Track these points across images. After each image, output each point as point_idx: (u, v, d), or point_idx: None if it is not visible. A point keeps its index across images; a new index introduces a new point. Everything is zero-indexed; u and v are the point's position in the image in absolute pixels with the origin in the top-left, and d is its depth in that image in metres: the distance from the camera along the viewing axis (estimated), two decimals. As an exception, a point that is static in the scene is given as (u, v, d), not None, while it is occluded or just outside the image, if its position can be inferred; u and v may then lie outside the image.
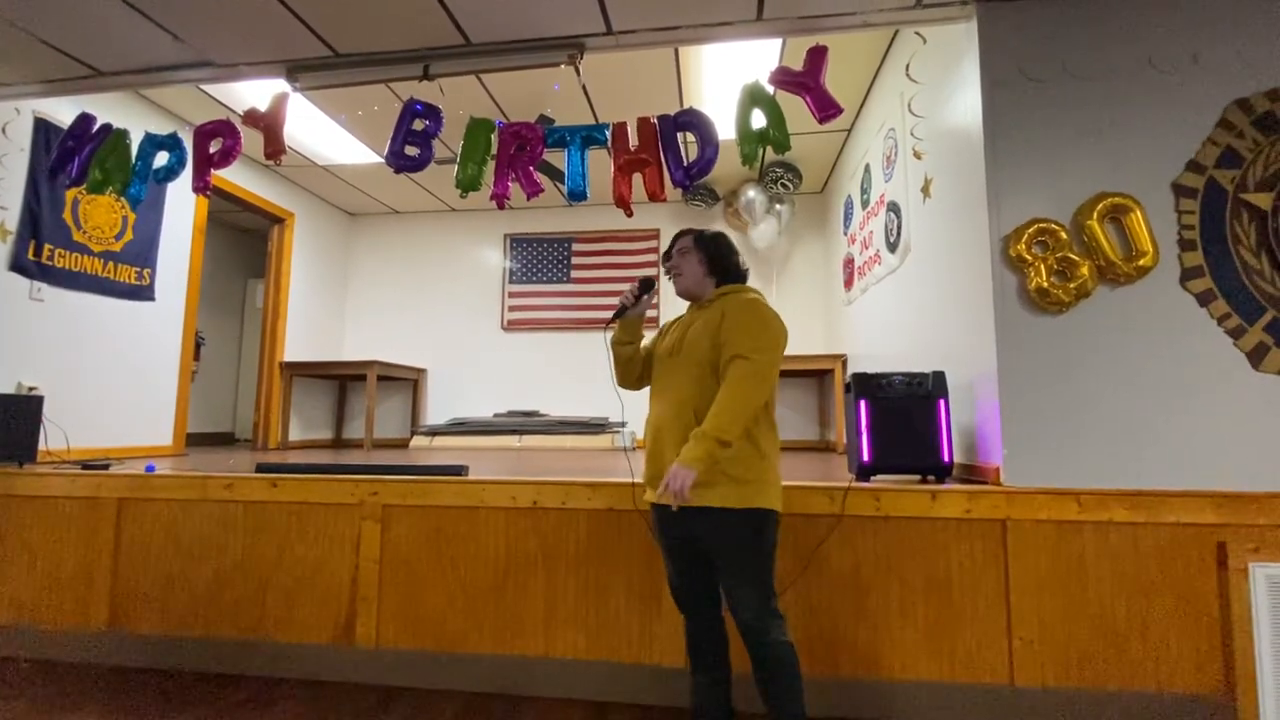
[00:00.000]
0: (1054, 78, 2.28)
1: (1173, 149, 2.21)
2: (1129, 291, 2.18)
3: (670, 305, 5.94)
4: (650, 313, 6.35)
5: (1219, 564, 2.00)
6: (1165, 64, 2.23)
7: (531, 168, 2.61)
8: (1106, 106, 2.24)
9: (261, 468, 2.64)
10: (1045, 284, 2.17)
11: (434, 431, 5.58)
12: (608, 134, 2.58)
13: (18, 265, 3.31)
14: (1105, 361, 2.16)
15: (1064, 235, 2.20)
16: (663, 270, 1.93)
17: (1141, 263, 2.15)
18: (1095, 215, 2.18)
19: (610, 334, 1.94)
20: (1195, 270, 2.16)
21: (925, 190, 2.94)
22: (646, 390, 1.91)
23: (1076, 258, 2.18)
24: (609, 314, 1.92)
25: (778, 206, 5.28)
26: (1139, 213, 2.17)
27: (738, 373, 1.58)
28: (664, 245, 5.88)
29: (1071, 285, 2.17)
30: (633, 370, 1.92)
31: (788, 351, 1.76)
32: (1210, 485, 2.04)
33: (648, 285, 1.89)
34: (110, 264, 3.79)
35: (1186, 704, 1.97)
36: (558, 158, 2.82)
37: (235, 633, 2.47)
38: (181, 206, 4.29)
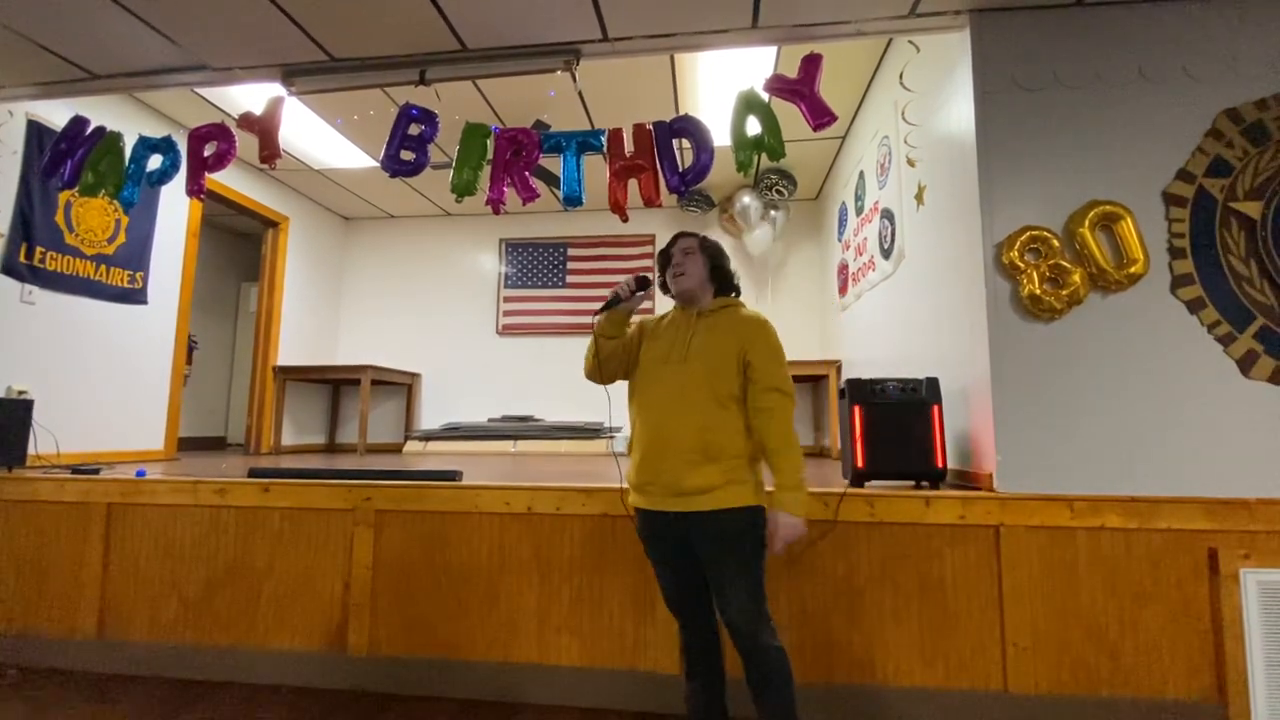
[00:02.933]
0: (1046, 87, 2.30)
1: (1163, 158, 2.23)
2: (1120, 299, 2.19)
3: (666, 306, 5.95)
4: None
5: (1210, 570, 2.01)
6: (1155, 74, 2.26)
7: (527, 173, 2.62)
8: (1098, 116, 2.27)
9: (254, 472, 2.63)
10: (1038, 291, 2.19)
11: (428, 436, 5.56)
12: (603, 140, 2.59)
13: (9, 268, 3.29)
14: (1097, 368, 2.17)
15: (1056, 243, 2.22)
16: (657, 269, 1.89)
17: (1132, 270, 2.17)
18: (1087, 223, 2.20)
19: (596, 325, 1.86)
20: (1185, 278, 2.18)
21: (919, 197, 2.96)
22: (592, 382, 1.89)
23: (1068, 265, 2.19)
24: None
25: (772, 213, 5.30)
26: (1130, 221, 2.19)
27: (784, 412, 1.66)
28: (659, 250, 5.91)
29: (1063, 292, 2.18)
30: (610, 366, 1.84)
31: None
32: (1201, 491, 2.05)
33: (644, 283, 1.83)
34: (102, 267, 3.77)
35: (1179, 709, 1.98)
36: (554, 163, 2.83)
37: (226, 639, 2.45)
38: (175, 209, 4.28)
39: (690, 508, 1.62)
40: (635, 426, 1.77)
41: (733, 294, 1.85)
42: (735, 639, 1.63)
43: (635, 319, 1.92)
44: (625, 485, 1.83)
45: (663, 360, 1.75)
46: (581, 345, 6.69)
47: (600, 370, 1.85)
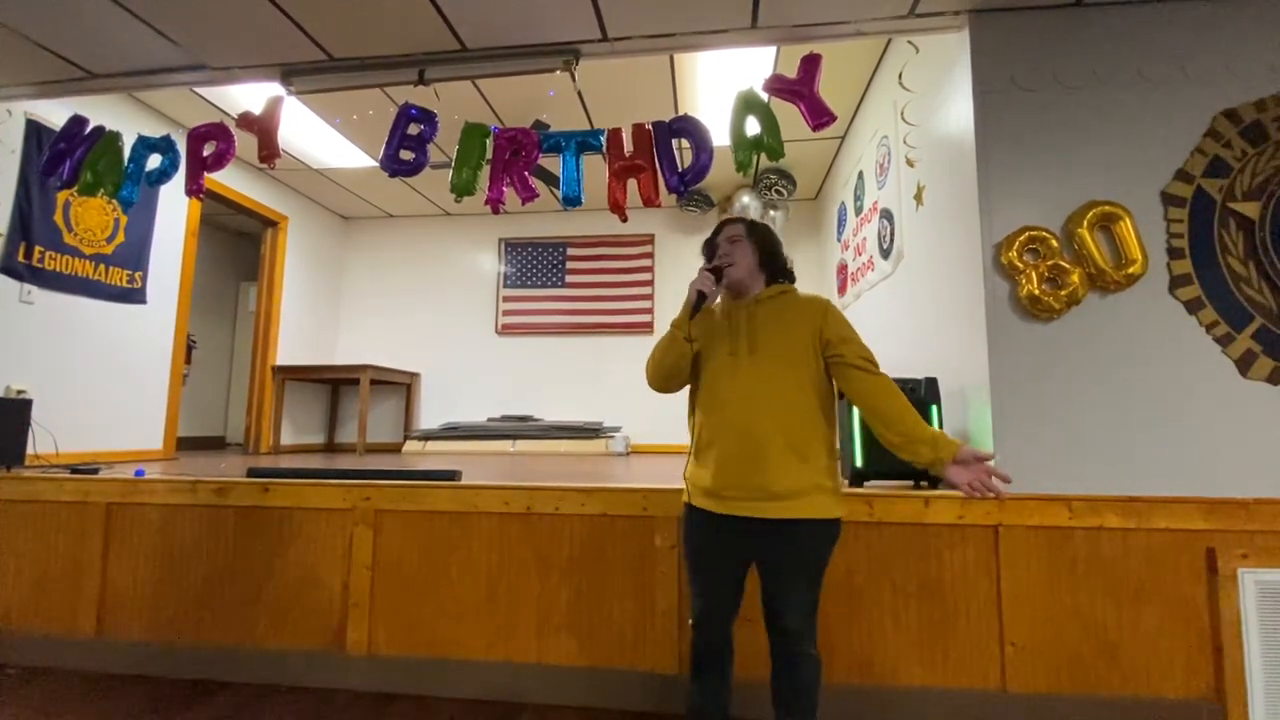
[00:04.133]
0: (1045, 87, 2.30)
1: (1162, 158, 2.23)
2: (1119, 299, 2.20)
3: (666, 305, 5.97)
4: (625, 313, 6.27)
5: (1209, 570, 2.01)
6: (1154, 75, 2.26)
7: (527, 173, 2.62)
8: (1096, 116, 2.27)
9: (253, 472, 2.62)
10: (1036, 291, 2.19)
11: (427, 436, 5.56)
12: (603, 140, 2.59)
13: (7, 267, 3.29)
14: (1096, 368, 2.17)
15: (1055, 243, 2.22)
16: (705, 258, 1.78)
17: (1131, 270, 2.17)
18: (1085, 223, 2.20)
19: (681, 330, 1.66)
20: (1184, 278, 2.18)
21: (918, 198, 2.96)
22: (640, 393, 1.83)
23: (1067, 265, 2.20)
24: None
25: (772, 213, 5.30)
26: (1128, 221, 2.20)
27: (889, 380, 1.59)
28: (659, 250, 5.93)
29: (1062, 293, 2.19)
30: (686, 370, 1.69)
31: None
32: (1200, 492, 2.06)
33: (719, 273, 1.68)
34: (101, 266, 3.76)
35: (1177, 709, 1.98)
36: (553, 163, 2.83)
37: (225, 639, 2.44)
38: (174, 209, 4.27)
39: (778, 514, 1.53)
40: (708, 428, 1.64)
41: (788, 279, 1.76)
42: (784, 643, 1.59)
43: None
44: (687, 488, 1.70)
45: (731, 354, 1.64)
46: (582, 344, 6.67)
47: (677, 376, 1.70)
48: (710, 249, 1.78)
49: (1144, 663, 2.01)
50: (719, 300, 1.76)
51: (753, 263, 1.71)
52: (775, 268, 1.75)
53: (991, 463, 1.89)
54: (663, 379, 1.71)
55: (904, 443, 1.54)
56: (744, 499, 1.56)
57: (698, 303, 1.63)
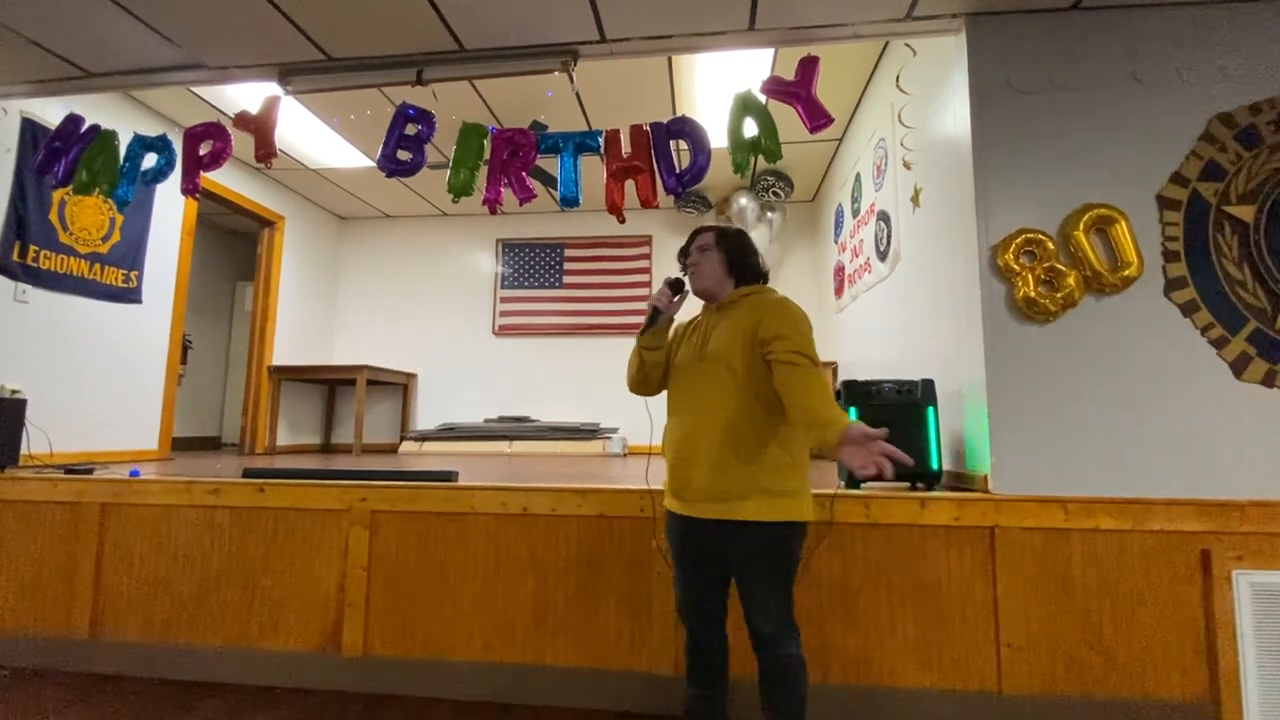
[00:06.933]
0: (1041, 90, 2.31)
1: (1157, 161, 2.24)
2: (1114, 302, 2.20)
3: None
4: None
5: (1203, 571, 2.02)
6: (1150, 78, 2.27)
7: (524, 173, 2.62)
8: (1092, 119, 2.28)
9: (248, 472, 2.62)
10: (1033, 293, 2.20)
11: (424, 437, 5.55)
12: (601, 140, 2.59)
13: (2, 266, 3.27)
14: (1091, 370, 2.18)
15: (1051, 245, 2.23)
16: (680, 267, 1.83)
17: (1126, 273, 2.18)
18: (1081, 226, 2.21)
19: (639, 339, 1.77)
20: (1179, 281, 2.19)
21: (915, 200, 2.97)
22: (637, 395, 1.86)
23: (1063, 268, 2.21)
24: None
25: (769, 214, 5.31)
26: (1124, 224, 2.21)
27: (812, 369, 1.52)
28: (656, 251, 5.93)
29: (1058, 295, 2.19)
30: (655, 376, 1.78)
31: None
32: (1194, 494, 2.06)
33: (678, 286, 1.76)
34: (97, 266, 3.75)
35: (1172, 710, 1.99)
36: (551, 163, 2.83)
37: (220, 640, 2.44)
38: (170, 208, 4.26)
39: (725, 515, 1.56)
40: (668, 430, 1.72)
41: (759, 282, 1.76)
42: (759, 646, 1.59)
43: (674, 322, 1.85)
44: (662, 488, 1.78)
45: (689, 361, 1.71)
46: (579, 345, 6.68)
47: (645, 383, 1.80)
48: (684, 256, 1.81)
49: (1139, 664, 2.02)
50: (703, 306, 1.82)
51: (720, 270, 1.74)
52: (746, 272, 1.75)
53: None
54: (635, 384, 1.81)
55: (803, 427, 1.52)
56: (693, 500, 1.62)
57: (652, 316, 1.73)
